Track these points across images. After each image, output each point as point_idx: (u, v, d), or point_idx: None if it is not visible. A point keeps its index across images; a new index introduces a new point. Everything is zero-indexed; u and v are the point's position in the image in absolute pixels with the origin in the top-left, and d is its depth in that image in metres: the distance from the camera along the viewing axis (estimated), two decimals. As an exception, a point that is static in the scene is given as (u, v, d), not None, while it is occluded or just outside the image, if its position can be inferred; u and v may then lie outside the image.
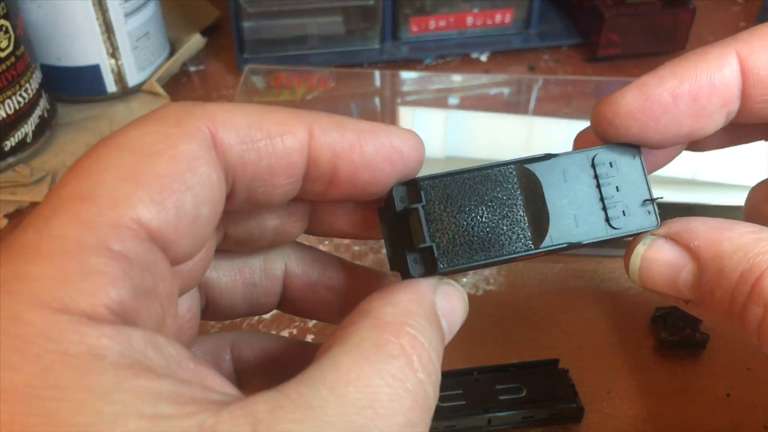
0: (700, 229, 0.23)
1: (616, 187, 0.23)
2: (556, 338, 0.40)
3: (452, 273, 0.23)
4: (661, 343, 0.40)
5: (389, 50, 0.61)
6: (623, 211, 0.23)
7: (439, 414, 0.34)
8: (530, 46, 0.63)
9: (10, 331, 0.15)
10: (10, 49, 0.47)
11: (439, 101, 0.54)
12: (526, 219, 0.23)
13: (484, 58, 0.63)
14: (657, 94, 0.23)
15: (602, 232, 0.23)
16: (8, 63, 0.47)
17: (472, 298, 0.42)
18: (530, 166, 0.23)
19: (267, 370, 0.26)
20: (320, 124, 0.21)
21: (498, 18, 0.62)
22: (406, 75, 0.57)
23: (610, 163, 0.23)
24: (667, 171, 0.43)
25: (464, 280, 0.43)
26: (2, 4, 0.46)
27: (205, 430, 0.15)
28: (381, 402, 0.18)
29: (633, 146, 0.24)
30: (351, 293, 0.26)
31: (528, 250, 0.22)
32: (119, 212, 0.17)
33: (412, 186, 0.22)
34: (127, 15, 0.53)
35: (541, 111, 0.53)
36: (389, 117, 0.52)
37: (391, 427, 0.17)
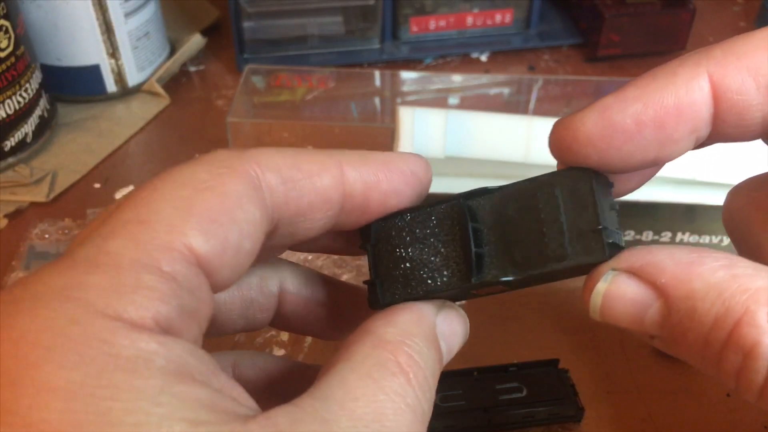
0: (667, 263, 0.20)
1: (563, 218, 0.21)
2: (556, 338, 0.40)
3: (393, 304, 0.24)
4: (661, 343, 0.40)
5: (389, 50, 0.61)
6: (565, 243, 0.21)
7: (439, 414, 0.34)
8: (530, 46, 0.63)
9: (68, 333, 0.16)
10: (10, 49, 0.47)
11: (439, 101, 0.54)
12: (458, 256, 0.23)
13: (484, 58, 0.63)
14: (619, 120, 0.21)
15: (539, 268, 0.21)
16: (8, 63, 0.47)
17: (472, 298, 0.42)
18: (472, 202, 0.23)
19: (267, 389, 0.27)
20: (350, 160, 0.23)
21: (498, 18, 0.62)
22: (406, 75, 0.57)
23: (559, 191, 0.22)
24: (667, 171, 0.43)
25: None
26: (2, 4, 0.46)
27: None
28: (386, 416, 0.19)
29: (587, 170, 0.22)
30: (342, 310, 0.28)
31: (459, 286, 0.23)
32: (172, 237, 0.18)
33: (366, 228, 0.24)
34: (127, 15, 0.53)
35: (541, 111, 0.53)
36: (389, 117, 0.52)
37: None
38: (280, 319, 0.28)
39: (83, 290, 0.17)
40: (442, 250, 0.23)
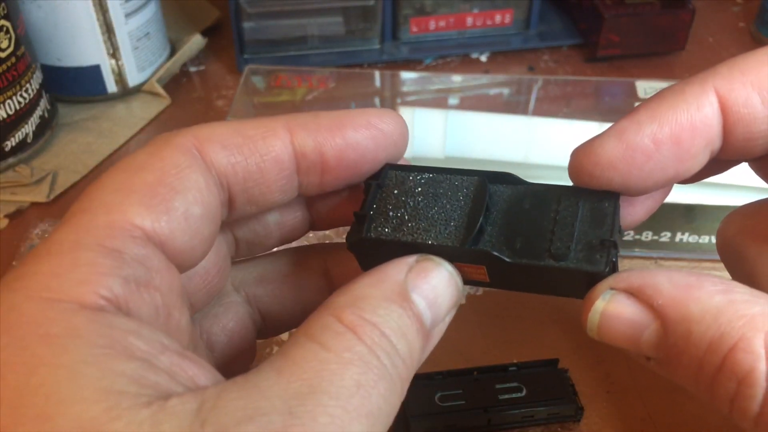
0: (664, 285, 0.21)
1: (577, 225, 0.22)
2: (556, 338, 0.40)
3: (376, 242, 0.23)
4: (661, 342, 0.40)
5: (389, 50, 0.61)
6: (571, 246, 0.21)
7: (439, 414, 0.34)
8: (530, 46, 0.63)
9: (6, 318, 0.17)
10: (11, 49, 0.47)
11: (439, 101, 0.54)
12: (461, 222, 0.22)
13: (483, 58, 0.63)
14: (638, 141, 0.22)
15: (535, 260, 0.22)
16: (9, 63, 0.47)
17: (472, 298, 0.42)
18: (495, 186, 0.23)
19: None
20: (297, 121, 0.23)
21: (498, 18, 0.62)
22: (406, 75, 0.57)
23: (583, 203, 0.22)
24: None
25: (464, 280, 0.43)
26: (3, 4, 0.46)
27: (153, 409, 0.16)
28: (330, 372, 0.18)
29: (612, 194, 0.22)
30: None
31: (448, 247, 0.22)
32: (112, 216, 0.19)
33: (381, 169, 0.24)
34: (128, 15, 0.53)
35: (540, 111, 0.53)
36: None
37: (339, 390, 0.18)
38: None
39: (26, 279, 0.18)
40: (448, 211, 0.23)
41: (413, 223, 0.23)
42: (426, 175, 0.23)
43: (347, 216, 0.25)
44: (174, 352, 0.18)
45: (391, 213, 0.23)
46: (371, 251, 0.23)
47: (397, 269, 0.21)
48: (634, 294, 0.21)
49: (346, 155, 0.23)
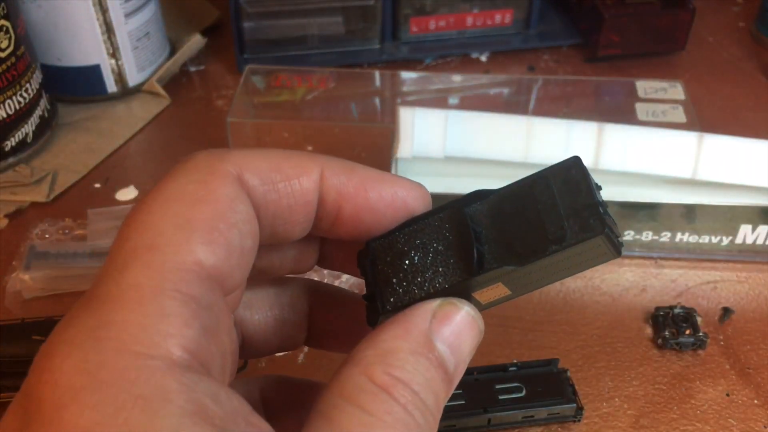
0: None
1: (558, 202, 0.22)
2: (556, 338, 0.40)
3: (396, 311, 0.23)
4: (661, 342, 0.40)
5: (389, 50, 0.61)
6: (564, 224, 0.22)
7: (439, 414, 0.34)
8: (530, 46, 0.63)
9: (97, 375, 0.17)
10: (11, 49, 0.47)
11: (439, 101, 0.54)
12: (459, 255, 0.23)
13: (483, 58, 0.63)
14: None
15: (541, 253, 0.22)
16: (8, 63, 0.47)
17: (472, 298, 0.42)
18: (468, 208, 0.23)
19: (296, 413, 0.28)
20: (332, 167, 0.23)
21: (498, 18, 0.62)
22: (406, 75, 0.57)
23: (552, 181, 0.22)
24: (667, 171, 0.43)
25: (464, 280, 0.43)
26: (2, 4, 0.46)
27: None
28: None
29: (572, 160, 0.22)
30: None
31: (459, 282, 0.22)
32: (182, 257, 0.19)
33: (365, 247, 0.24)
34: (128, 15, 0.53)
35: (540, 111, 0.53)
36: (389, 117, 0.52)
37: None
38: (313, 338, 0.28)
39: (111, 329, 0.18)
40: (443, 254, 0.23)
41: (419, 278, 0.23)
42: (406, 230, 0.24)
43: (352, 267, 0.26)
44: (243, 420, 0.18)
45: (394, 280, 0.23)
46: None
47: (421, 318, 0.22)
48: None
49: (360, 217, 0.23)
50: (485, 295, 0.23)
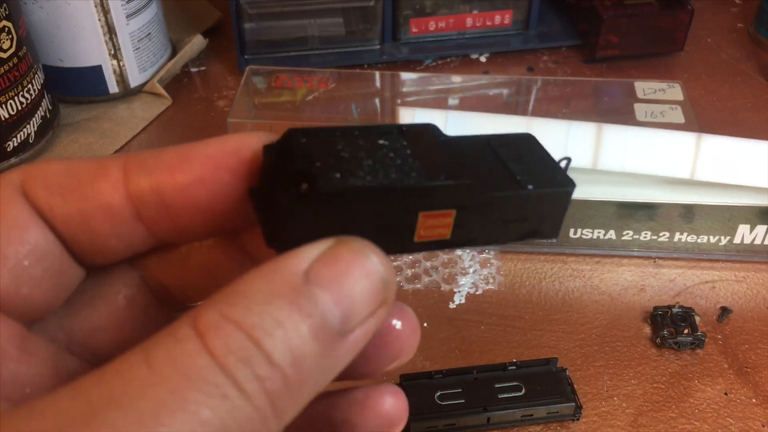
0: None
1: (521, 156, 0.21)
2: (555, 337, 0.40)
3: (333, 195, 0.17)
4: (660, 342, 0.40)
5: (389, 51, 0.61)
6: (531, 173, 0.21)
7: (439, 413, 0.34)
8: (529, 47, 0.63)
9: None
10: (13, 50, 0.47)
11: (438, 102, 0.54)
12: (417, 161, 0.19)
13: (483, 59, 0.63)
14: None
15: (502, 190, 0.20)
16: (10, 64, 0.47)
17: (472, 298, 0.43)
18: (419, 130, 0.22)
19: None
20: (137, 159, 0.19)
21: (497, 19, 0.62)
22: (406, 76, 0.57)
23: (515, 145, 0.22)
24: (665, 171, 0.43)
25: (463, 280, 0.43)
26: (4, 5, 0.46)
27: None
28: (125, 389, 0.14)
29: (529, 134, 0.23)
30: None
31: (420, 183, 0.18)
32: None
33: (284, 134, 0.20)
34: (129, 16, 0.53)
35: (539, 112, 0.53)
36: (389, 117, 0.52)
37: (126, 414, 0.14)
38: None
39: None
40: (396, 159, 0.19)
41: (365, 164, 0.18)
42: (344, 131, 0.19)
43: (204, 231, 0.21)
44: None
45: (332, 161, 0.18)
46: (310, 219, 0.18)
47: (299, 257, 0.16)
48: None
49: (191, 193, 0.19)
50: (426, 226, 0.19)
